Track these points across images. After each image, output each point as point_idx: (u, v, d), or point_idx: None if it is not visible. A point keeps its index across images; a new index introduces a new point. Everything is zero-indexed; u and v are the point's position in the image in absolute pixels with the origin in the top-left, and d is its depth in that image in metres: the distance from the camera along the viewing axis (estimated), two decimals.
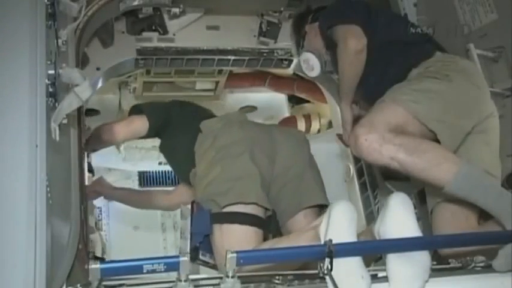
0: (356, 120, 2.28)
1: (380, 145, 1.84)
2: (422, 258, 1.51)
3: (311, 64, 2.52)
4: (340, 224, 1.58)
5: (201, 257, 2.06)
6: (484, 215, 1.98)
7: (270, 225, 2.13)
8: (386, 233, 1.57)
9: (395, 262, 1.51)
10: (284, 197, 2.22)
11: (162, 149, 2.60)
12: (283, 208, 2.21)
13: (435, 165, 1.82)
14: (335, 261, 1.43)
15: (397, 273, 1.50)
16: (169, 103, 2.69)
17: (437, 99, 2.01)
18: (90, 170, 2.79)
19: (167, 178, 5.33)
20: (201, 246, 2.05)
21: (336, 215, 1.59)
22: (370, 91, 2.25)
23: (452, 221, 2.04)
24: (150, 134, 2.52)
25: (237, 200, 2.01)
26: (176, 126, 2.47)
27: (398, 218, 1.57)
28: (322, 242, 1.61)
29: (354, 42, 2.18)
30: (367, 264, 1.55)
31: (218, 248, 2.00)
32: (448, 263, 1.71)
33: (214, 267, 2.06)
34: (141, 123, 2.48)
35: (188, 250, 2.06)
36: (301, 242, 1.72)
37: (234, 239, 1.96)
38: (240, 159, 2.12)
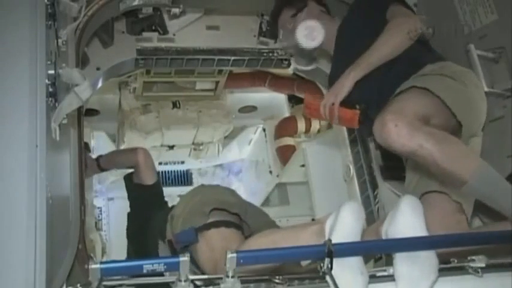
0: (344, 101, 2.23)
1: (410, 131, 1.80)
2: (429, 259, 1.51)
3: (315, 34, 2.48)
4: (348, 223, 1.58)
5: None
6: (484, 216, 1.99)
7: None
8: (396, 235, 1.57)
9: (402, 262, 1.51)
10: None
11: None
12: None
13: (462, 157, 1.81)
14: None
15: (404, 273, 1.50)
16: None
17: (459, 97, 2.02)
18: (88, 149, 3.02)
19: (167, 178, 5.34)
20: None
21: (345, 214, 1.60)
22: (381, 81, 2.23)
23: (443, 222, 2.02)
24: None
25: (222, 206, 2.09)
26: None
27: (409, 220, 1.57)
28: (327, 237, 1.62)
29: (418, 21, 2.18)
30: (365, 262, 1.55)
31: (206, 254, 2.02)
32: (448, 263, 1.71)
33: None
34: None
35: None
36: (305, 234, 1.75)
37: (220, 242, 1.99)
38: (219, 190, 2.31)
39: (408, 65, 2.18)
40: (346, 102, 2.23)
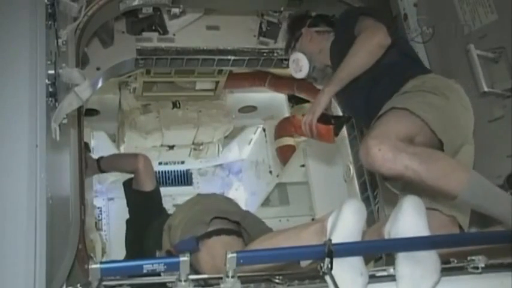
0: (322, 116, 2.26)
1: (394, 154, 1.81)
2: (431, 259, 1.51)
3: (300, 65, 2.54)
4: (348, 221, 1.59)
5: None
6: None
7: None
8: (398, 234, 1.58)
9: (404, 262, 1.51)
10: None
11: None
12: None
13: (449, 173, 1.81)
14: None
15: (407, 273, 1.50)
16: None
17: (440, 113, 2.03)
18: (88, 149, 3.04)
19: (167, 178, 5.34)
20: None
21: (346, 212, 1.60)
22: (363, 97, 2.27)
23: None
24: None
25: (223, 215, 2.09)
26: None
27: (411, 220, 1.58)
28: (328, 236, 1.63)
29: (382, 35, 2.20)
30: (366, 263, 1.55)
31: (208, 263, 2.00)
32: (448, 263, 1.71)
33: None
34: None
35: None
36: (306, 233, 1.76)
37: (221, 249, 1.94)
38: (217, 199, 2.31)
39: (390, 83, 2.20)
40: (328, 117, 2.29)
